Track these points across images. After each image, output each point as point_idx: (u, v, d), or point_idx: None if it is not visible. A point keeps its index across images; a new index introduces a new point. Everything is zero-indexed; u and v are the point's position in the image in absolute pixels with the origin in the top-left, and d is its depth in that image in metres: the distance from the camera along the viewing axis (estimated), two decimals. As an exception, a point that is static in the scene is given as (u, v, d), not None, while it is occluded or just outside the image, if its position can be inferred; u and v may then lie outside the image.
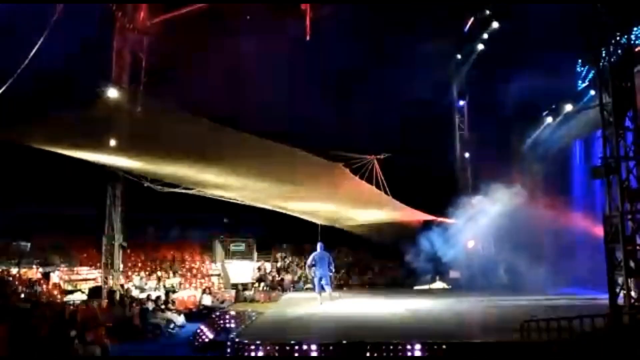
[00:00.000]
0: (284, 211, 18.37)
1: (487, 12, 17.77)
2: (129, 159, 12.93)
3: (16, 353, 9.03)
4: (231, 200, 17.42)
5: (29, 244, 18.58)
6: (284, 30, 13.53)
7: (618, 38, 9.40)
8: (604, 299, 9.75)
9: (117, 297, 14.76)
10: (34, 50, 9.93)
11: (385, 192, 15.01)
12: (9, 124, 10.28)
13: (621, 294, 8.90)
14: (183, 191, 15.72)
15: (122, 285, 16.83)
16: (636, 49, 12.27)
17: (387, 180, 15.02)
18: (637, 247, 8.91)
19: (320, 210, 17.31)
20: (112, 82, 11.39)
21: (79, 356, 9.53)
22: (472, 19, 18.00)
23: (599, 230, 10.76)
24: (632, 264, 8.83)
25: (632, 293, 8.80)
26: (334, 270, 14.13)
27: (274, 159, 12.98)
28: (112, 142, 11.57)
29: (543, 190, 16.47)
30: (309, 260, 13.83)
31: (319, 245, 13.89)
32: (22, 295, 14.59)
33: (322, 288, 13.33)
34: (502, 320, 9.98)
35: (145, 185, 14.71)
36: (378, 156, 15.09)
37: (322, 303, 13.01)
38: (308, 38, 13.24)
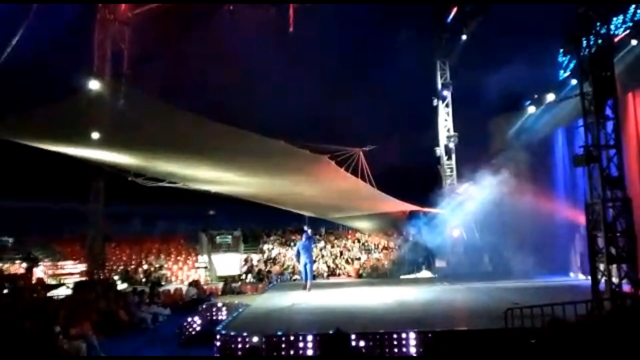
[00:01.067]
0: (270, 204, 18.32)
1: (470, 3, 17.79)
2: (112, 152, 12.74)
3: (0, 349, 8.92)
4: (217, 193, 17.31)
5: (10, 239, 18.34)
6: (268, 21, 13.39)
7: (598, 28, 9.49)
8: (586, 284, 9.91)
9: (102, 291, 14.64)
10: (13, 42, 9.68)
11: (371, 184, 15.05)
12: None
13: (603, 281, 9.07)
14: (167, 185, 15.57)
15: (107, 279, 16.69)
16: (615, 39, 12.46)
17: (372, 172, 15.03)
18: (618, 234, 9.06)
19: (306, 203, 17.29)
20: (94, 74, 11.16)
21: (63, 351, 9.43)
22: (455, 9, 17.98)
23: (581, 218, 10.93)
24: (613, 250, 8.99)
25: (614, 279, 8.97)
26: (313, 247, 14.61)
27: (259, 152, 12.90)
28: (95, 135, 11.36)
29: (527, 179, 16.64)
30: (295, 250, 14.23)
31: (304, 234, 14.36)
32: (6, 291, 14.43)
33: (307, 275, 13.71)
34: (486, 308, 10.10)
35: (129, 179, 14.51)
36: (364, 148, 15.06)
37: (310, 290, 13.23)
38: (292, 29, 13.12)
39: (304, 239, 14.00)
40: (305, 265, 13.56)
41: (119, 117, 10.60)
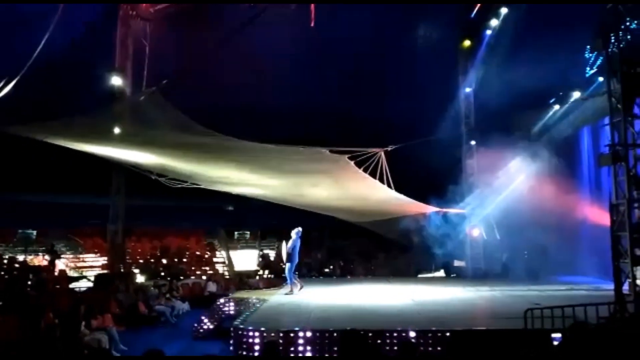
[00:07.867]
0: (290, 205, 18.22)
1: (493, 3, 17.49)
2: (136, 152, 12.78)
3: (24, 340, 9.13)
4: (238, 194, 17.30)
5: (34, 232, 18.73)
6: (288, 17, 13.33)
7: (628, 23, 9.25)
8: (609, 287, 9.70)
9: (123, 284, 14.85)
10: (41, 45, 9.80)
11: (389, 186, 14.70)
12: (19, 121, 10.25)
13: (627, 283, 8.87)
14: (191, 186, 15.54)
15: (127, 272, 16.93)
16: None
17: (391, 173, 14.72)
18: (644, 236, 8.84)
19: (325, 206, 17.10)
20: (116, 70, 11.27)
21: (85, 342, 9.60)
22: (478, 5, 17.72)
23: (605, 218, 10.69)
24: (638, 252, 8.79)
25: (638, 281, 8.76)
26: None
27: (279, 157, 12.77)
28: (121, 137, 11.29)
29: (550, 178, 16.33)
30: (294, 249, 12.50)
31: (295, 232, 12.77)
32: (30, 282, 14.75)
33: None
34: (505, 308, 9.96)
35: (153, 178, 14.56)
36: (385, 148, 14.71)
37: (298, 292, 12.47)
38: (312, 24, 13.02)
39: (295, 237, 12.49)
40: (293, 265, 12.46)
41: (147, 123, 10.66)
